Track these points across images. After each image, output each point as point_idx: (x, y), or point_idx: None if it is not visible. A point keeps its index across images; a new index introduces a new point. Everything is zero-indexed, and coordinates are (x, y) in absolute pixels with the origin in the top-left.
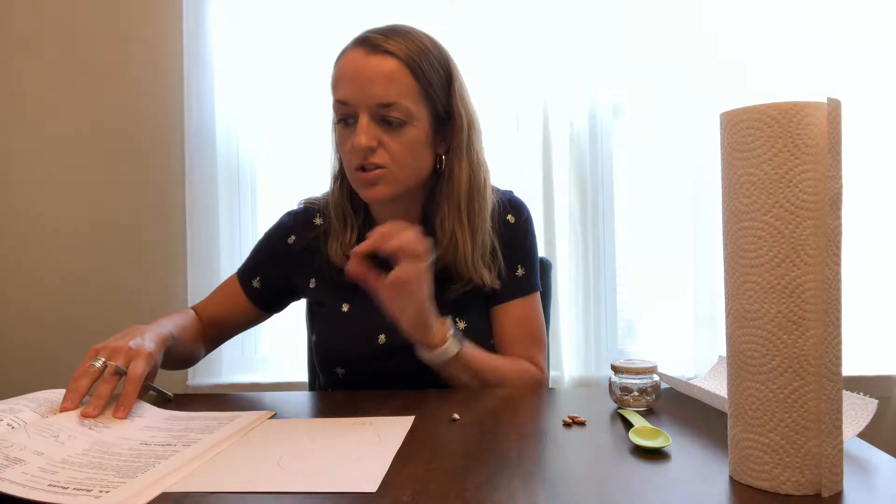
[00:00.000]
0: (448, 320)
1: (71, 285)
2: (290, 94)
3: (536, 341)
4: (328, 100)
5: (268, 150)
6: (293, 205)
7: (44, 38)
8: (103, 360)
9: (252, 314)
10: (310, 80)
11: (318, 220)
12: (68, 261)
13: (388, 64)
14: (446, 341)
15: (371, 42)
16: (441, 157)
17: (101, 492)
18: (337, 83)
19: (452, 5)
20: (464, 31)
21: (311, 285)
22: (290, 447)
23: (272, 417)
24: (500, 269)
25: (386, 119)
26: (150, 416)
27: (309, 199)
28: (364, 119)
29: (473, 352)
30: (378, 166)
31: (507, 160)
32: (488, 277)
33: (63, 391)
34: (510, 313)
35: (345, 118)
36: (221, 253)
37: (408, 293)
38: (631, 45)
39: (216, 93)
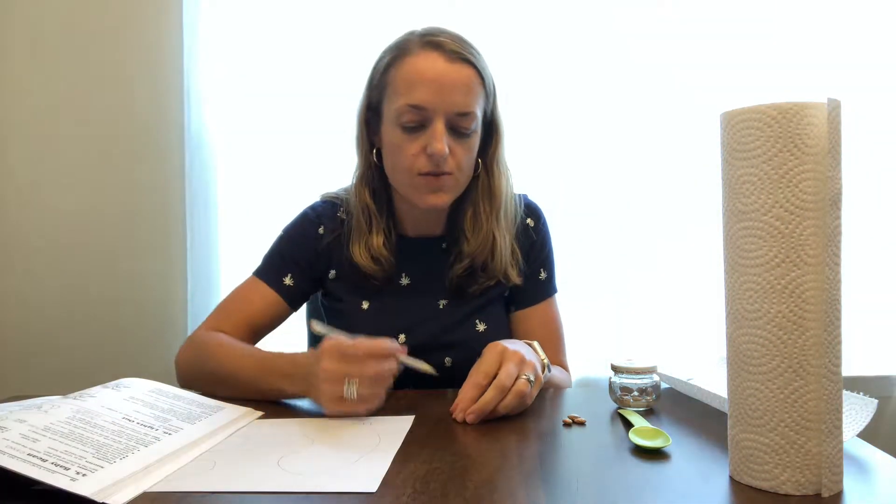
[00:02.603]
0: (537, 345)
1: (70, 285)
2: (291, 93)
3: (561, 343)
4: (328, 99)
5: (268, 150)
6: (293, 203)
7: (44, 37)
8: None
9: (280, 313)
10: (310, 79)
11: (341, 215)
12: (68, 260)
13: (467, 72)
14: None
15: (447, 48)
16: (478, 161)
17: (77, 473)
18: (412, 87)
19: (452, 5)
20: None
21: (331, 276)
22: (289, 447)
23: (261, 418)
24: (519, 265)
25: (455, 127)
26: (134, 388)
27: (327, 194)
28: (440, 126)
29: (551, 372)
30: (445, 173)
31: (508, 160)
32: (514, 274)
33: (57, 398)
34: (535, 317)
35: (414, 123)
36: (221, 252)
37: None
38: (630, 45)
39: (216, 92)
